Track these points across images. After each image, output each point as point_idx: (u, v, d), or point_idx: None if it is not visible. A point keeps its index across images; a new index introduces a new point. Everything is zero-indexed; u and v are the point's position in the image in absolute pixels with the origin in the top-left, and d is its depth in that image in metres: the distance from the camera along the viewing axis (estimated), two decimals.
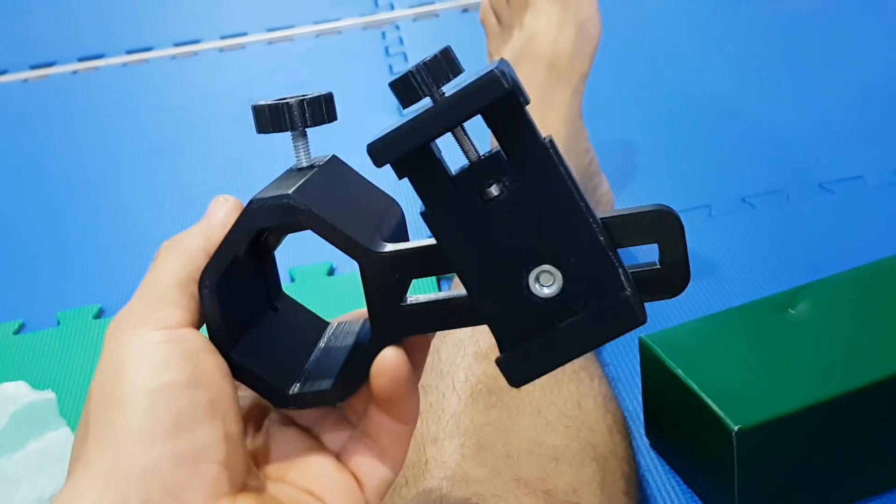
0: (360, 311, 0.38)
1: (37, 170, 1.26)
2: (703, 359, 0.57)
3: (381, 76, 1.37)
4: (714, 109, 1.12)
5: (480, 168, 0.32)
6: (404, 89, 0.31)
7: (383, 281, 0.33)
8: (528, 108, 0.31)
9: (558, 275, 0.32)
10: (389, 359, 0.34)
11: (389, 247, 0.33)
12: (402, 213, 0.39)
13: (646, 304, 0.33)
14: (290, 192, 0.32)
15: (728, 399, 0.53)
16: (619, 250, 0.32)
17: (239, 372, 0.34)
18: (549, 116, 0.79)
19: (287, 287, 1.01)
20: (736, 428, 0.52)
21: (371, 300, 0.34)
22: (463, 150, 0.32)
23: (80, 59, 1.62)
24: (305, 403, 0.35)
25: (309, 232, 0.34)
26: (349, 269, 0.89)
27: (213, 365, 0.33)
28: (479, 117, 0.32)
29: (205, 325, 0.34)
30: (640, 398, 0.64)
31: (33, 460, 0.64)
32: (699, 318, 0.62)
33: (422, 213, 0.32)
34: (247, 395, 0.37)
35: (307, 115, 0.35)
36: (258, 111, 0.35)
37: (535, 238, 0.32)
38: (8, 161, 1.30)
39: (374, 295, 0.33)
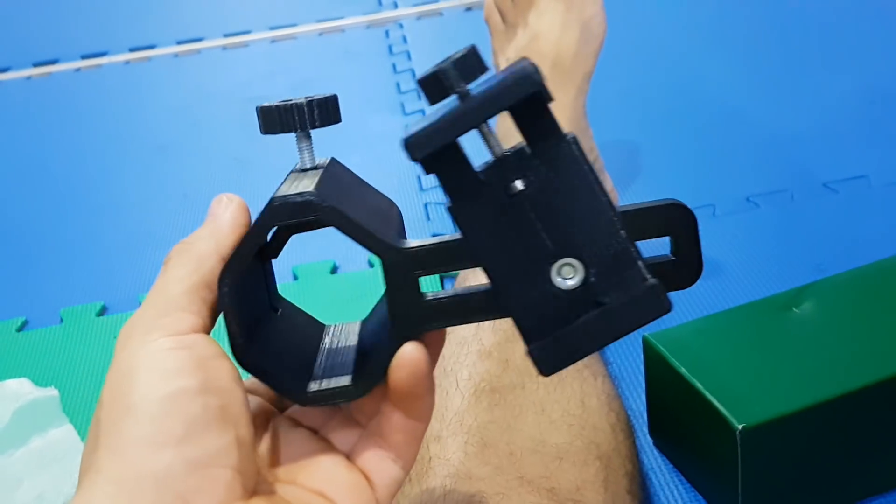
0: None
1: (39, 167, 1.26)
2: (707, 357, 0.57)
3: (384, 75, 1.37)
4: (718, 109, 1.12)
5: (506, 163, 0.32)
6: (433, 86, 0.31)
7: (405, 276, 0.34)
8: None
9: (580, 267, 0.33)
10: (410, 353, 0.34)
11: (410, 243, 0.34)
12: (401, 214, 0.39)
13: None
14: (311, 189, 0.33)
15: (732, 397, 0.53)
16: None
17: (259, 371, 0.34)
18: None
19: (290, 285, 1.01)
20: (740, 426, 0.51)
21: (392, 295, 0.34)
22: (489, 145, 0.33)
23: (84, 57, 1.62)
24: (325, 400, 0.35)
25: (312, 231, 0.34)
26: (352, 267, 0.89)
27: (224, 370, 0.32)
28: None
29: (218, 328, 0.34)
30: (643, 397, 0.64)
31: (35, 458, 0.64)
32: (703, 316, 0.62)
33: (448, 208, 0.33)
34: (254, 398, 0.37)
35: (315, 115, 0.35)
36: (265, 111, 0.35)
37: (558, 231, 0.33)
38: (11, 159, 1.30)
39: (396, 290, 0.34)
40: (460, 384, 0.56)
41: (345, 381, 0.35)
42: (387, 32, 1.55)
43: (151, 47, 1.63)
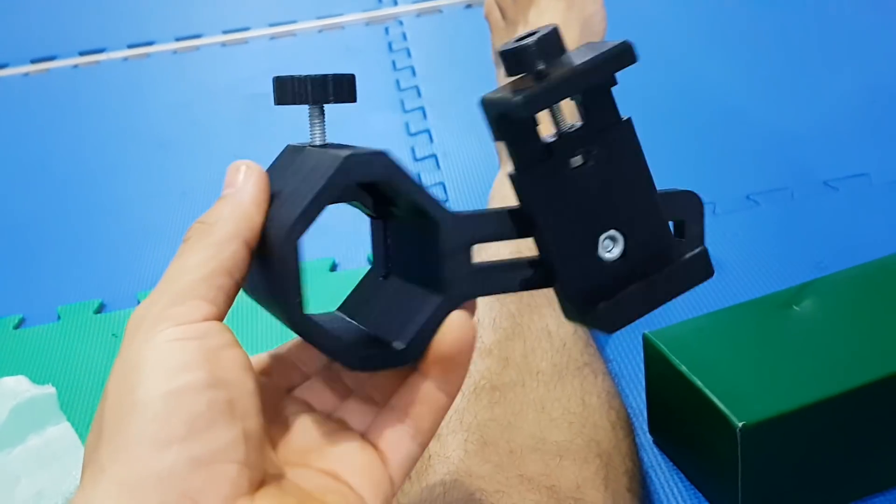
0: None
1: (37, 164, 1.26)
2: (708, 355, 0.57)
3: (383, 72, 1.37)
4: (718, 106, 1.12)
5: (570, 138, 0.35)
6: (515, 59, 0.34)
7: (458, 243, 0.35)
8: None
9: (620, 239, 0.36)
10: (460, 319, 0.34)
11: (463, 212, 0.35)
12: None
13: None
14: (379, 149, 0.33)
15: (732, 395, 0.53)
16: None
17: (313, 334, 0.34)
18: None
19: None
20: (740, 424, 0.51)
21: (443, 260, 0.35)
22: (555, 120, 0.35)
23: (82, 53, 1.62)
24: (376, 365, 0.35)
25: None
26: (351, 265, 0.89)
27: (233, 361, 0.32)
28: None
29: (230, 316, 0.33)
30: (643, 395, 0.64)
31: (33, 455, 0.64)
32: (703, 314, 0.62)
33: (510, 176, 0.35)
34: (264, 379, 0.37)
35: (330, 90, 0.35)
36: (280, 82, 0.35)
37: (608, 205, 0.36)
38: (8, 155, 1.30)
39: (449, 257, 0.35)
40: None
41: (398, 345, 0.34)
42: (386, 29, 1.55)
43: (150, 44, 1.63)
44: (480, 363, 0.57)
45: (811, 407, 0.53)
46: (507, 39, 0.84)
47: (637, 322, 0.37)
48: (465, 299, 0.35)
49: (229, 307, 0.33)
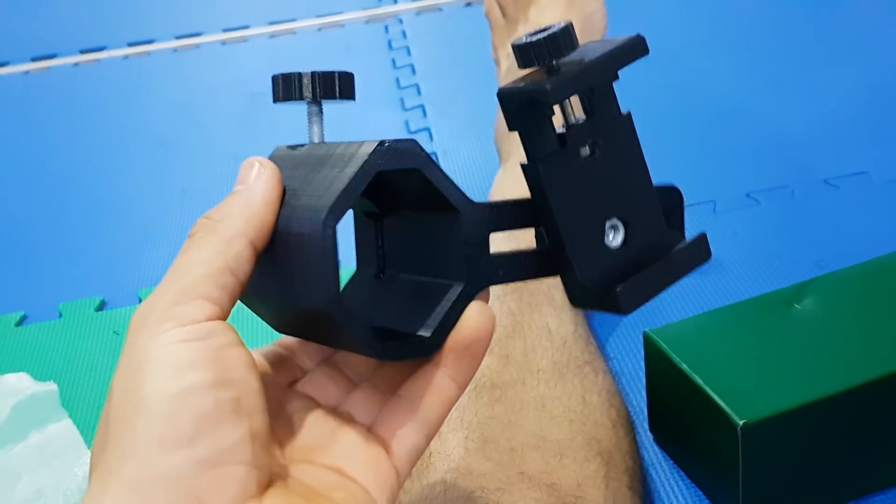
0: None
1: (38, 162, 1.26)
2: (708, 354, 0.57)
3: (383, 70, 1.37)
4: (719, 105, 1.12)
5: (578, 130, 0.37)
6: (533, 52, 0.35)
7: (478, 232, 0.36)
8: None
9: (621, 228, 0.38)
10: (481, 308, 0.35)
11: (481, 202, 0.36)
12: None
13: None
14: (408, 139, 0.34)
15: (733, 394, 0.53)
16: None
17: (351, 324, 0.33)
18: None
19: None
20: (741, 422, 0.51)
21: (464, 249, 0.35)
22: (564, 113, 0.37)
23: (82, 52, 1.62)
24: (406, 354, 0.35)
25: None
26: (351, 264, 0.89)
27: (238, 360, 0.31)
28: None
29: (233, 315, 0.33)
30: (644, 393, 0.64)
31: (34, 453, 0.64)
32: (704, 312, 0.62)
33: (523, 167, 0.36)
34: (267, 377, 0.37)
35: (334, 86, 0.36)
36: (276, 80, 0.36)
37: (611, 194, 0.37)
38: (9, 153, 1.30)
39: (468, 244, 0.36)
40: None
41: (424, 333, 0.35)
42: (386, 28, 1.55)
43: (150, 42, 1.62)
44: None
45: (812, 405, 0.53)
46: (506, 37, 0.84)
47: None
48: (485, 285, 0.36)
49: (233, 306, 0.33)
